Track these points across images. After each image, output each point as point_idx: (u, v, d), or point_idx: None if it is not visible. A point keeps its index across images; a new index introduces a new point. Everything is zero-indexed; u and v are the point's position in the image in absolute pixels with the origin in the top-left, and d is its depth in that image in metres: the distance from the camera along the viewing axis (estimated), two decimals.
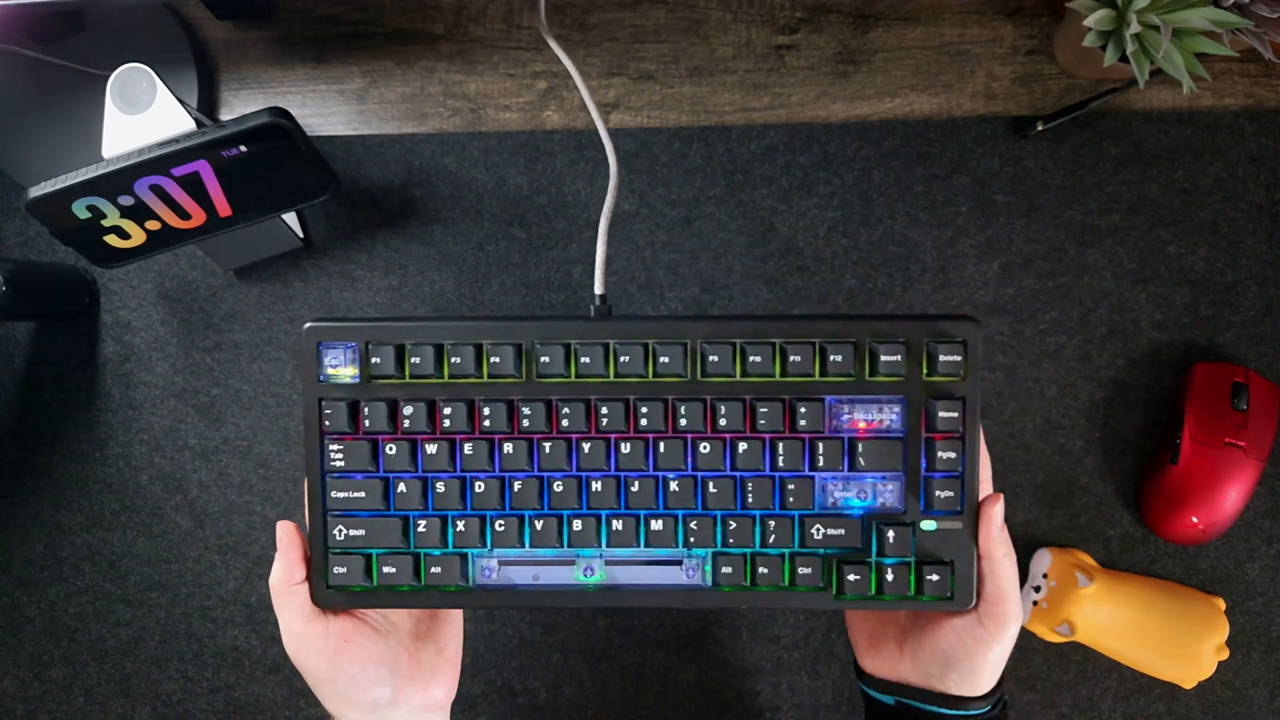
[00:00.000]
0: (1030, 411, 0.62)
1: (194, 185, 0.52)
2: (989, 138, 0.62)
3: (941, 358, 0.43)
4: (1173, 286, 0.62)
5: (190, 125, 0.51)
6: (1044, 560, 0.60)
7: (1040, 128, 0.61)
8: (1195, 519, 0.58)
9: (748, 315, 0.44)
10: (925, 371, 0.44)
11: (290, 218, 0.61)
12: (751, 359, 0.43)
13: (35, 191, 0.50)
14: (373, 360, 0.44)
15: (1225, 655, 0.58)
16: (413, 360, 0.44)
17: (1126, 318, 0.62)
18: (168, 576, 0.63)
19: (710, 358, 0.44)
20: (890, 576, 0.44)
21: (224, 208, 0.54)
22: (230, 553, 0.63)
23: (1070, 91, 0.63)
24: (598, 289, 0.49)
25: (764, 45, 0.64)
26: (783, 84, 0.64)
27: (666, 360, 0.44)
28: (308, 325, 0.44)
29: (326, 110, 0.65)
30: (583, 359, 0.44)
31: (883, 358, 0.43)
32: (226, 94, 0.65)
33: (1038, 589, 0.60)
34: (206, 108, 0.64)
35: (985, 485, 0.45)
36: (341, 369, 0.45)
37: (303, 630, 0.43)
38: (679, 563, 0.45)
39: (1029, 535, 0.61)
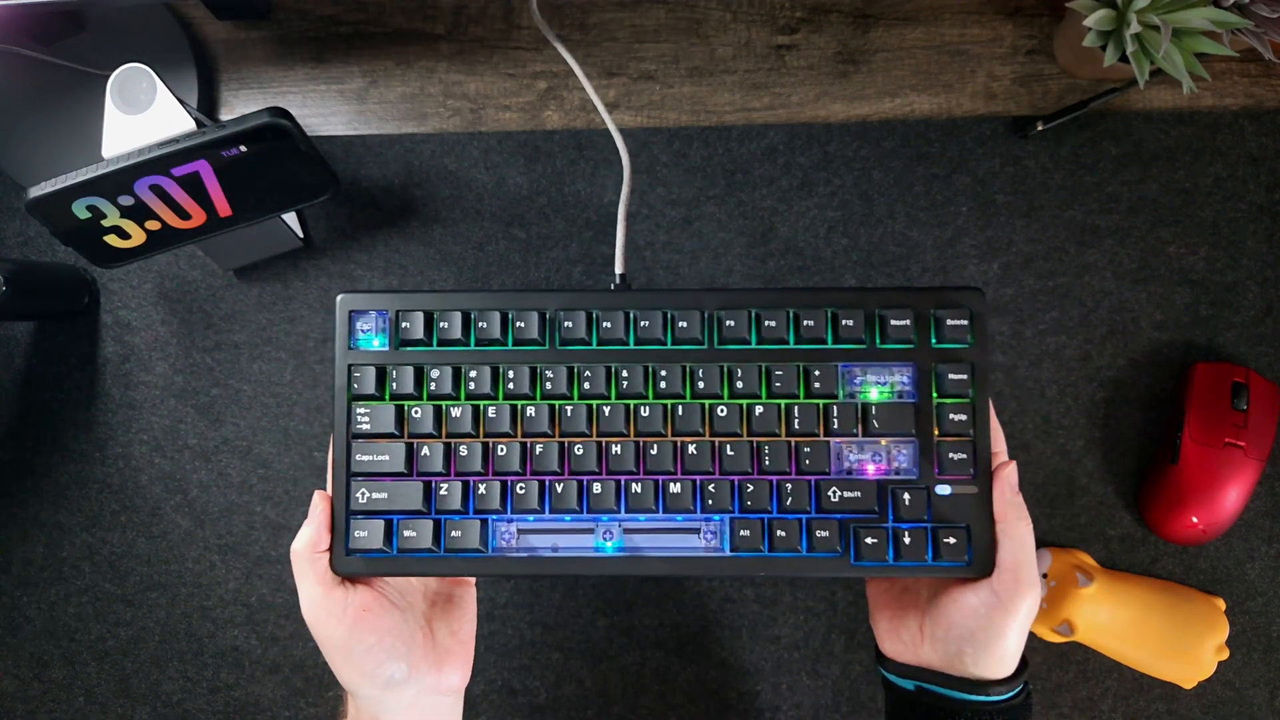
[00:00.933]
0: (1030, 411, 0.62)
1: (194, 185, 0.52)
2: (989, 138, 0.62)
3: (949, 322, 0.45)
4: (1173, 286, 0.62)
5: (190, 125, 0.51)
6: (1044, 560, 0.60)
7: (1040, 128, 0.61)
8: (1195, 519, 0.58)
9: (763, 288, 0.45)
10: (934, 339, 0.45)
11: (290, 218, 0.61)
12: (766, 324, 0.45)
13: (35, 191, 0.50)
14: (403, 325, 0.46)
15: (1225, 655, 0.58)
16: (441, 325, 0.45)
17: (1127, 318, 0.62)
18: (167, 576, 0.63)
19: (727, 323, 0.45)
20: (907, 540, 0.44)
21: (224, 208, 0.54)
22: (230, 553, 0.63)
23: (1070, 91, 0.63)
24: (618, 269, 0.51)
25: (764, 45, 0.64)
26: (783, 84, 0.64)
27: (685, 325, 0.45)
28: (341, 296, 0.46)
29: (326, 110, 0.65)
30: (604, 324, 0.45)
31: (892, 323, 0.44)
32: (226, 94, 0.65)
33: None
34: (206, 108, 0.64)
35: (1000, 456, 0.45)
36: (372, 336, 0.46)
37: (323, 596, 0.43)
38: (697, 530, 0.45)
39: None
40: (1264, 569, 0.61)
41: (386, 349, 0.46)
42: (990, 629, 0.42)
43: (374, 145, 0.64)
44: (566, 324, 0.45)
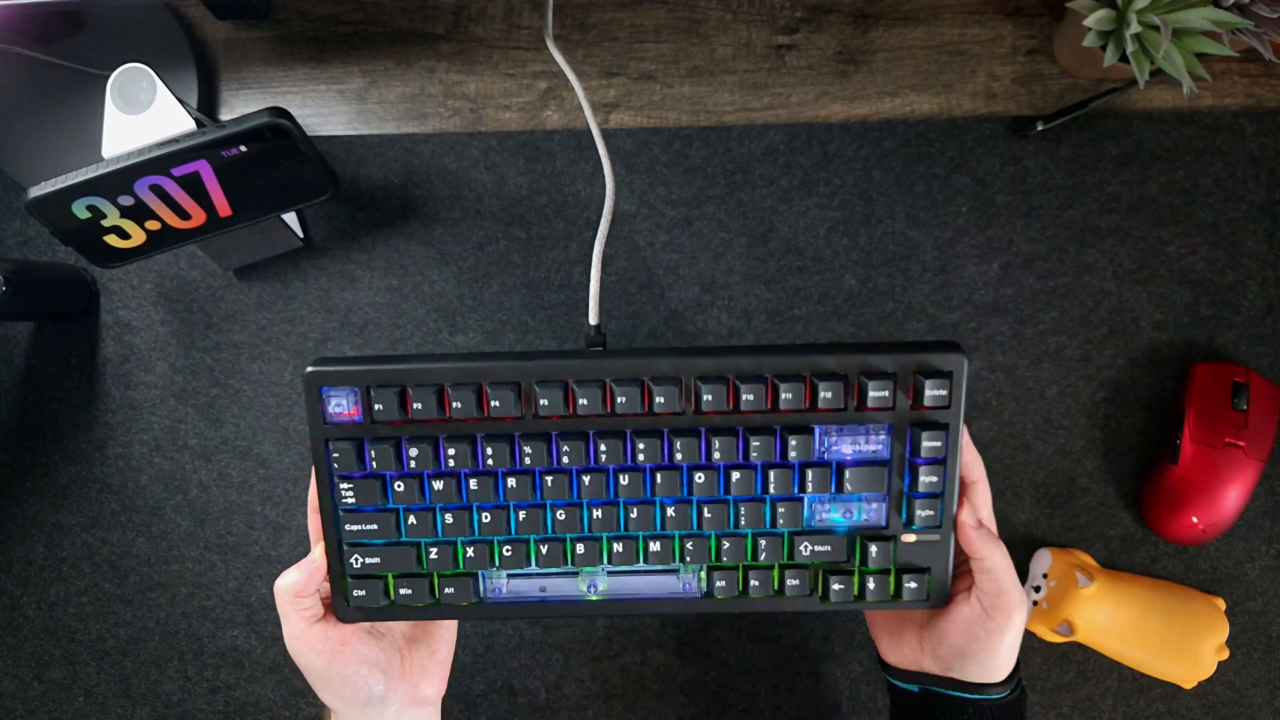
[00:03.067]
0: (1030, 411, 0.62)
1: (194, 185, 0.52)
2: (989, 138, 0.62)
3: (928, 392, 0.45)
4: (1173, 286, 0.62)
5: (190, 125, 0.51)
6: (1044, 560, 0.60)
7: (1040, 128, 0.61)
8: (1195, 519, 0.58)
9: (741, 348, 0.46)
10: (911, 403, 0.45)
11: (290, 218, 0.61)
12: (745, 397, 0.45)
13: (35, 191, 0.50)
14: (375, 406, 0.45)
15: (1225, 655, 0.58)
16: (415, 405, 0.45)
17: (1127, 318, 0.62)
18: (167, 576, 0.63)
19: (705, 397, 0.45)
20: (872, 585, 0.46)
21: (224, 208, 0.54)
22: (230, 553, 0.63)
23: (1070, 91, 0.63)
24: (592, 319, 0.50)
25: (764, 45, 0.64)
26: (783, 84, 0.64)
27: (663, 400, 0.45)
28: (309, 370, 0.45)
29: (326, 110, 0.65)
30: (581, 401, 0.45)
31: (871, 393, 0.45)
32: (226, 94, 0.65)
33: (1038, 589, 0.60)
34: (206, 108, 0.64)
35: (972, 481, 0.47)
36: (345, 411, 0.46)
37: (305, 633, 0.46)
38: (675, 573, 0.48)
39: (1029, 535, 0.62)
40: (1264, 569, 0.61)
41: (361, 421, 0.46)
42: (988, 649, 0.45)
43: (374, 145, 0.64)
44: (543, 401, 0.45)
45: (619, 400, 0.45)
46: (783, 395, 0.45)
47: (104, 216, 0.52)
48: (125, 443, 0.63)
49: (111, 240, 0.54)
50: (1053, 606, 0.58)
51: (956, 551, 0.47)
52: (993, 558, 0.44)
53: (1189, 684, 0.59)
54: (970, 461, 0.47)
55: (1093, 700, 0.61)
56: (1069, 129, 0.62)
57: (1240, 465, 0.57)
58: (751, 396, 0.45)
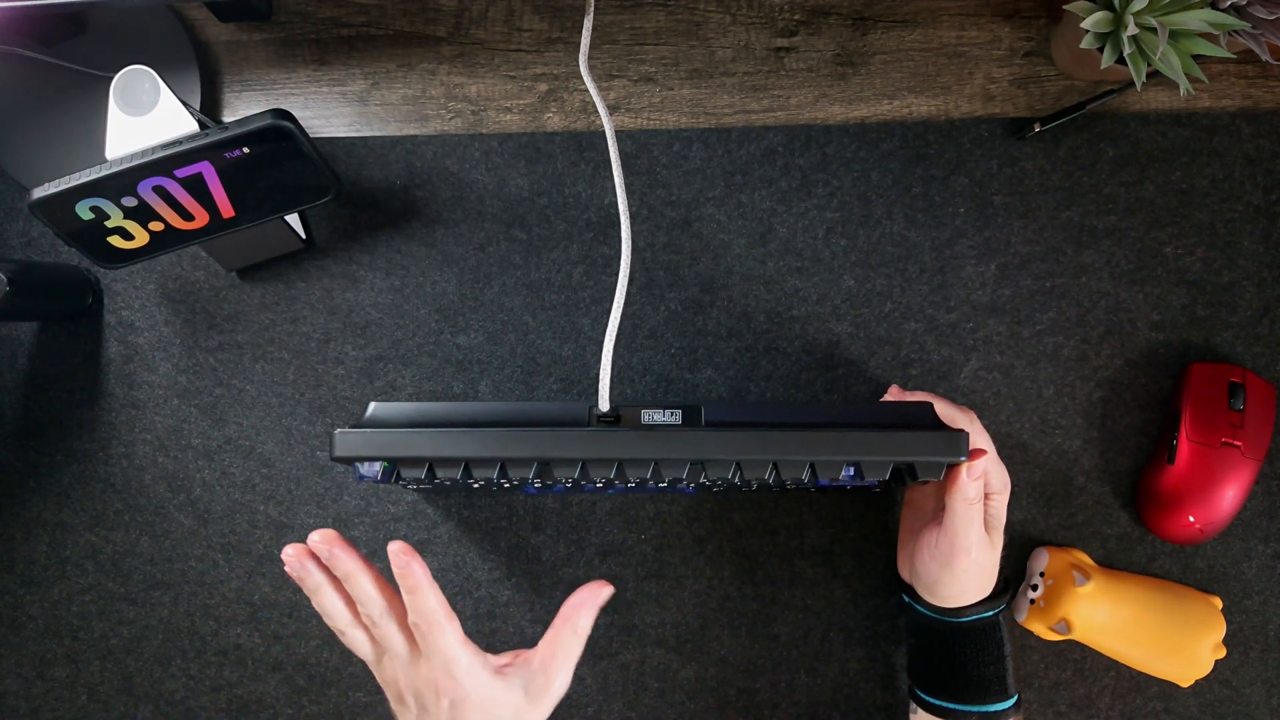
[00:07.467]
0: (1028, 411, 0.62)
1: (197, 186, 0.52)
2: (987, 139, 0.63)
3: (922, 477, 0.49)
4: (1170, 287, 0.62)
5: (193, 127, 0.52)
6: (1041, 559, 0.60)
7: (1038, 129, 0.61)
8: (1192, 518, 0.58)
9: (746, 423, 0.48)
10: (908, 479, 0.51)
11: (293, 219, 0.62)
12: (749, 476, 0.48)
13: (39, 192, 0.50)
14: (403, 474, 0.49)
15: (1222, 654, 0.58)
16: (441, 474, 0.48)
17: (1124, 318, 0.62)
18: (171, 575, 0.63)
19: (715, 485, 0.51)
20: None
21: (227, 209, 0.54)
22: (233, 551, 0.63)
23: (1068, 93, 0.63)
24: (603, 405, 0.49)
25: (763, 48, 0.64)
26: (782, 86, 0.64)
27: (667, 485, 0.52)
28: (337, 434, 0.47)
29: (329, 112, 0.65)
30: (597, 482, 0.50)
31: (868, 477, 0.48)
32: (229, 95, 0.65)
33: (1035, 587, 0.60)
34: (209, 109, 0.65)
35: (995, 483, 0.52)
36: (376, 474, 0.50)
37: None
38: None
39: (1026, 534, 0.62)
40: (1261, 568, 0.61)
41: (390, 482, 0.51)
42: (938, 575, 0.52)
43: (376, 147, 0.64)
44: (561, 475, 0.48)
45: (631, 482, 0.50)
46: (786, 483, 0.49)
47: (107, 217, 0.52)
48: (129, 442, 0.64)
49: (115, 241, 0.54)
50: (1050, 605, 0.59)
51: (935, 492, 0.55)
52: (967, 511, 0.49)
53: (1186, 682, 0.59)
54: (993, 470, 0.51)
55: (1090, 698, 0.61)
56: (1066, 130, 0.62)
57: (1237, 465, 0.57)
58: (756, 474, 0.48)
